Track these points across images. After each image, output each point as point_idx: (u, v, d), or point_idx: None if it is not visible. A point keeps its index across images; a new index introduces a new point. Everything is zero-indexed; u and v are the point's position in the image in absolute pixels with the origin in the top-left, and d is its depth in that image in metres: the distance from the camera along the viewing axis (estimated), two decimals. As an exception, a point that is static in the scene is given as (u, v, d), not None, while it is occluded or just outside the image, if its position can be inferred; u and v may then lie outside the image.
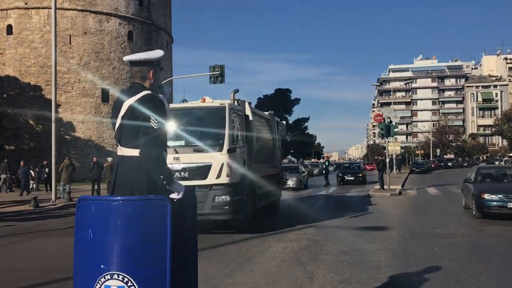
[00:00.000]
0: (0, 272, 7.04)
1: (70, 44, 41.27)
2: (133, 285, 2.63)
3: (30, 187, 25.85)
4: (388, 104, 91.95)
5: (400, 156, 59.93)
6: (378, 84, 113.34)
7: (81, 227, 2.77)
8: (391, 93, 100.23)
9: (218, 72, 25.59)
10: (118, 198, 2.73)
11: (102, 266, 2.67)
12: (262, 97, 73.04)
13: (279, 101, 71.23)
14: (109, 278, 2.65)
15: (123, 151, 3.10)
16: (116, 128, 3.13)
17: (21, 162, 25.17)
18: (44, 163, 26.12)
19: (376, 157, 33.97)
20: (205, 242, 9.27)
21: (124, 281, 2.63)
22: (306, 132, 76.80)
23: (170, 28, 52.11)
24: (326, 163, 30.86)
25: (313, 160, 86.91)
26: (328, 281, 6.23)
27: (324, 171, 29.92)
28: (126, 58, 3.23)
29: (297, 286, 6.02)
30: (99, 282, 2.65)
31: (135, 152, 3.05)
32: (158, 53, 3.23)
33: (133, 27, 44.76)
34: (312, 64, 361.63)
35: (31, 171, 26.56)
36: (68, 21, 41.37)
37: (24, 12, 41.21)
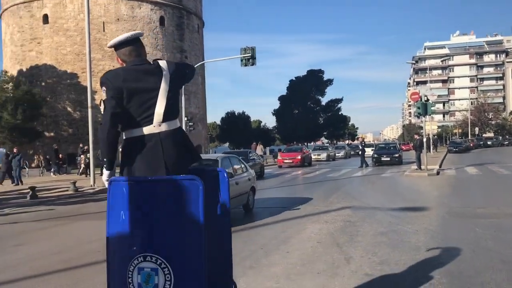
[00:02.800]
0: (41, 255, 7.22)
1: (103, 31, 41.85)
2: (167, 266, 2.58)
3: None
4: (424, 82, 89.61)
5: (436, 136, 58.50)
6: (413, 62, 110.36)
7: (113, 208, 2.73)
8: (427, 71, 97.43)
9: (249, 55, 25.40)
10: (149, 178, 2.67)
11: (134, 248, 2.63)
12: (294, 78, 72.41)
13: (312, 82, 70.52)
14: (142, 260, 2.61)
15: (170, 124, 3.01)
16: (158, 103, 2.94)
17: (14, 150, 23.27)
18: (85, 148, 26.65)
19: (414, 137, 33.29)
20: (240, 223, 9.29)
21: (158, 262, 2.58)
22: (340, 113, 75.85)
23: (201, 12, 52.07)
24: (362, 144, 30.57)
25: (347, 141, 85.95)
26: (366, 262, 6.10)
27: (360, 152, 29.74)
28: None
29: (334, 267, 5.91)
30: (133, 264, 2.62)
31: (178, 123, 3.12)
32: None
33: (164, 12, 44.94)
34: (344, 44, 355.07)
35: (77, 157, 26.99)
36: (101, 9, 41.90)
37: (59, 1, 41.96)
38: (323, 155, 39.73)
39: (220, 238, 3.14)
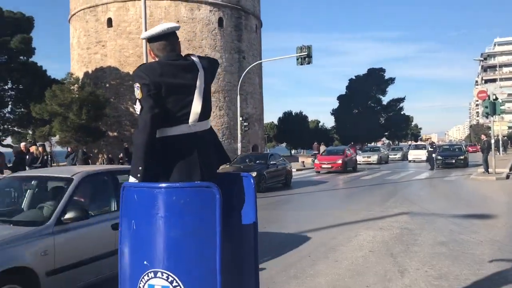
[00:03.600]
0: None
1: (164, 33, 42.79)
2: (179, 285, 2.29)
3: None
4: (494, 80, 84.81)
5: (506, 137, 55.13)
6: (481, 59, 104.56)
7: (124, 217, 2.49)
8: (497, 69, 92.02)
9: (306, 53, 24.89)
10: (162, 185, 2.40)
11: (145, 263, 2.37)
12: (353, 77, 70.83)
13: (372, 81, 68.66)
14: (153, 276, 2.34)
15: (204, 124, 2.76)
16: (194, 101, 2.68)
17: (69, 149, 23.79)
18: None
19: (481, 138, 31.29)
20: (288, 228, 8.93)
21: (169, 280, 2.31)
22: (402, 113, 73.30)
23: (259, 12, 52.02)
24: (433, 146, 28.85)
25: (409, 142, 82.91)
26: (422, 276, 5.57)
27: (427, 154, 28.17)
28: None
29: (385, 281, 5.43)
30: (143, 279, 2.36)
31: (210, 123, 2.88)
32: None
33: (223, 13, 45.25)
34: (406, 42, 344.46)
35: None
36: (162, 11, 42.82)
37: (122, 5, 43.37)
38: (374, 158, 35.14)
39: (245, 252, 2.82)
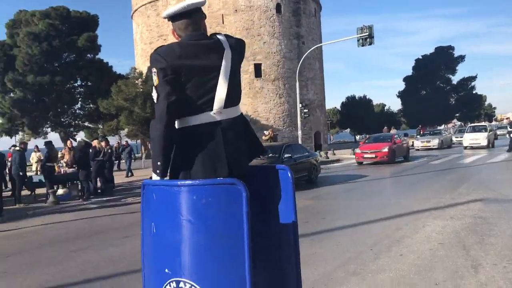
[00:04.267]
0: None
1: (223, 23, 42.88)
2: (203, 296, 2.00)
3: None
4: None
5: None
6: None
7: (145, 218, 2.23)
8: None
9: (367, 34, 23.85)
10: (179, 183, 2.10)
11: (166, 270, 2.09)
12: (420, 57, 67.77)
13: (440, 60, 65.37)
14: (175, 286, 2.06)
15: (232, 111, 2.46)
16: (219, 85, 2.38)
17: (124, 142, 24.38)
18: None
19: None
20: (347, 219, 8.47)
21: (192, 291, 2.01)
22: (473, 92, 69.31)
23: (318, -5, 50.83)
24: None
25: (483, 122, 78.31)
26: (499, 272, 4.96)
27: (509, 135, 25.98)
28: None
29: (457, 278, 4.88)
30: (169, 287, 2.08)
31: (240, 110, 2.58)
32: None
33: (280, -1, 44.63)
34: (476, 17, 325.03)
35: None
36: (220, 1, 42.92)
37: (181, -2, 44.06)
38: (434, 142, 30.73)
39: (284, 254, 2.47)
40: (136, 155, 36.80)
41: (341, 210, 9.76)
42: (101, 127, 37.19)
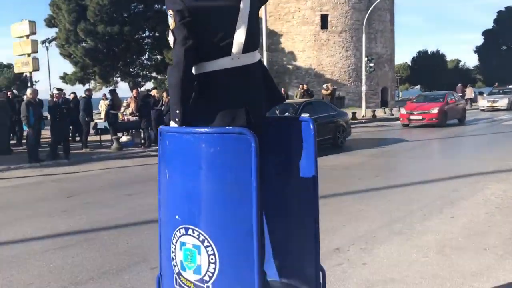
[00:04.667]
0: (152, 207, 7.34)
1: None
2: (210, 245, 1.97)
3: None
4: None
5: None
6: None
7: (161, 163, 2.21)
8: None
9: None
10: (188, 130, 2.04)
11: (177, 217, 2.08)
12: (503, 9, 62.54)
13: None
14: (184, 233, 2.05)
15: (251, 56, 2.31)
16: (238, 28, 2.24)
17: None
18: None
19: None
20: (404, 177, 8.19)
21: (200, 239, 1.99)
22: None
23: None
24: None
25: None
26: (558, 242, 4.61)
27: None
28: None
29: (509, 244, 4.60)
30: (175, 235, 2.09)
31: (259, 55, 2.41)
32: None
33: None
34: None
35: None
36: None
37: None
38: (502, 102, 26.87)
39: (300, 210, 2.39)
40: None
41: (397, 169, 9.46)
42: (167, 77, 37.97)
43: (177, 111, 2.19)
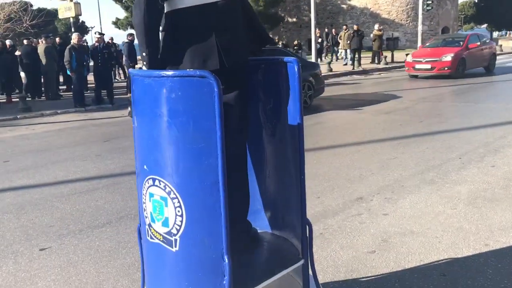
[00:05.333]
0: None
1: None
2: (177, 197, 1.84)
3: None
4: None
5: None
6: None
7: (133, 110, 2.06)
8: None
9: None
10: (147, 73, 1.86)
11: (145, 167, 1.96)
12: None
13: None
14: (152, 183, 1.93)
15: None
16: None
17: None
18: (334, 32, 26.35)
19: None
20: (448, 123, 7.70)
21: (166, 190, 1.86)
22: None
23: None
24: None
25: None
26: None
27: None
28: None
29: (552, 197, 4.22)
30: (145, 185, 1.97)
31: None
32: None
33: None
34: None
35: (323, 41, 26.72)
36: None
37: None
38: None
39: (288, 161, 2.20)
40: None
41: (442, 114, 8.89)
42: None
43: (144, 54, 2.04)
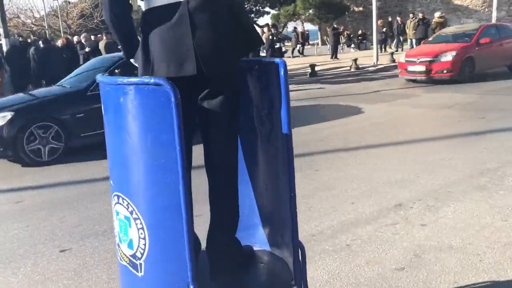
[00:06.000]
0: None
1: None
2: (139, 218, 1.65)
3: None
4: None
5: None
6: None
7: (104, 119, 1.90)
8: None
9: None
10: (108, 80, 1.67)
11: (111, 182, 1.79)
12: None
13: None
14: (117, 201, 1.75)
15: None
16: None
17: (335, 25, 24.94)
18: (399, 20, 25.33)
19: None
20: (506, 121, 6.99)
21: (129, 210, 1.68)
22: None
23: None
24: None
25: None
26: None
27: None
28: None
29: None
30: (113, 202, 1.81)
31: None
32: None
33: None
34: None
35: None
36: None
37: None
38: None
39: (279, 172, 1.95)
40: (313, 41, 36.35)
41: (508, 109, 8.11)
42: (276, 12, 37.16)
43: (122, 52, 1.89)
